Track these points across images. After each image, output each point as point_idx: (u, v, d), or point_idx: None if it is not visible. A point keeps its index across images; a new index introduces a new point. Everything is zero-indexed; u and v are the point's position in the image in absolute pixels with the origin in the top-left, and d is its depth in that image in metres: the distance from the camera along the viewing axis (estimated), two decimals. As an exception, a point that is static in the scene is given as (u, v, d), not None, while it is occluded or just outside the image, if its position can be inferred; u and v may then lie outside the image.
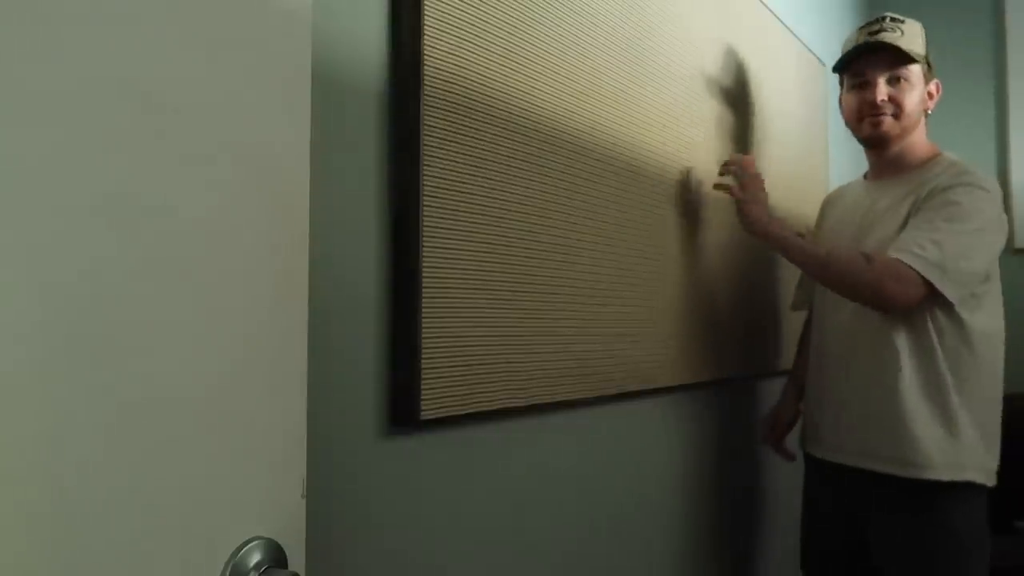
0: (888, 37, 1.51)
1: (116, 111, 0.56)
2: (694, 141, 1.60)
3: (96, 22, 0.55)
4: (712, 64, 1.68)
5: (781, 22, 2.06)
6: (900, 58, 1.50)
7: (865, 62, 1.54)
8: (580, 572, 1.28)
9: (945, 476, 1.42)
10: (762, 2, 1.94)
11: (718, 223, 1.68)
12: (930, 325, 1.44)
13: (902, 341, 1.46)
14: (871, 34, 1.54)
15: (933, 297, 1.38)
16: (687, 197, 1.58)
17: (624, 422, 1.41)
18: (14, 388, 0.51)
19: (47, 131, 0.53)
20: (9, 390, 0.50)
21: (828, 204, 1.80)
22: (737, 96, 1.79)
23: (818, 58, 2.33)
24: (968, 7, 2.92)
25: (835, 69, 1.63)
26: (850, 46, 1.58)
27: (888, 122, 1.53)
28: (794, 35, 2.15)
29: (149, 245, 0.58)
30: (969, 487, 1.44)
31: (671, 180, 1.52)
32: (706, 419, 1.70)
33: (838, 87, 1.66)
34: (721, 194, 1.63)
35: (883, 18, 1.54)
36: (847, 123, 1.62)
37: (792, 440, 1.80)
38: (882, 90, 1.52)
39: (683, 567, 1.60)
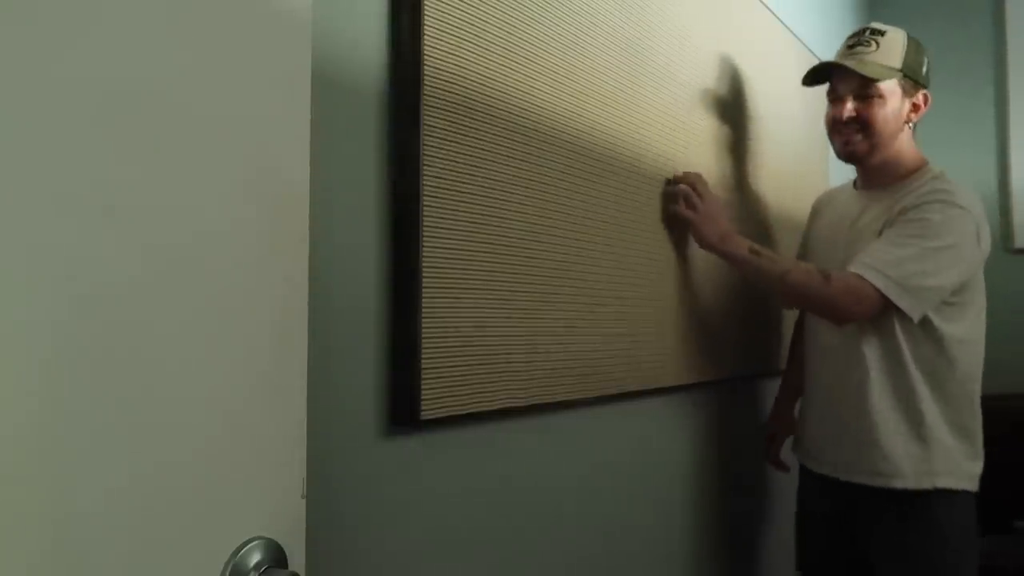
0: (861, 52, 1.51)
1: (116, 112, 0.56)
2: (694, 141, 1.60)
3: (95, 22, 0.55)
4: (712, 64, 1.68)
5: (781, 22, 2.06)
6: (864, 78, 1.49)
7: (837, 77, 1.55)
8: (580, 571, 1.28)
9: (913, 484, 1.43)
10: (762, 2, 1.94)
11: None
12: (900, 334, 1.44)
13: (872, 351, 1.46)
14: (849, 47, 1.55)
15: (896, 309, 1.38)
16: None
17: (624, 422, 1.41)
18: (16, 388, 0.51)
19: (46, 133, 0.53)
20: (11, 391, 0.50)
21: (817, 209, 1.80)
22: (737, 96, 1.79)
23: (819, 59, 2.33)
24: (968, 9, 2.92)
25: (803, 83, 1.62)
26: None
27: (856, 141, 1.52)
28: (794, 35, 2.15)
29: (148, 246, 0.58)
30: (949, 492, 1.44)
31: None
32: (707, 419, 1.70)
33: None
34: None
35: (864, 31, 1.54)
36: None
37: (787, 450, 1.81)
38: (848, 107, 1.51)
39: (684, 566, 1.60)
